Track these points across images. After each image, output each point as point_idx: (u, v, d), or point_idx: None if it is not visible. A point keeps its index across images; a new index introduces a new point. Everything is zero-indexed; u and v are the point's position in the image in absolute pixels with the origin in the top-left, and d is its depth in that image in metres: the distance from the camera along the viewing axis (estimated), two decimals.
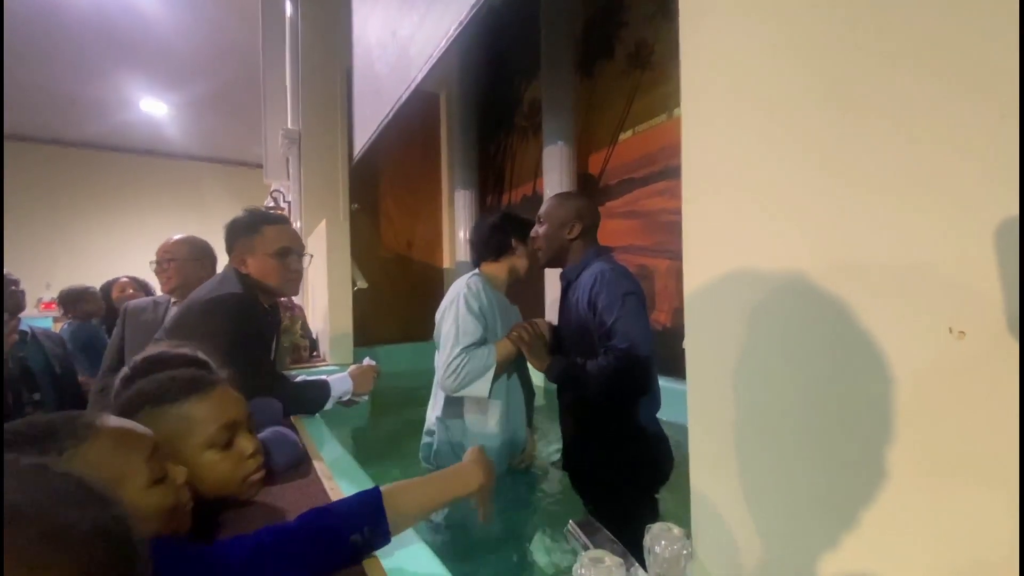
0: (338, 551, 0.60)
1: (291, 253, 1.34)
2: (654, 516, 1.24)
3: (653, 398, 1.26)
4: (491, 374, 1.28)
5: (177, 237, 1.80)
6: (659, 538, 0.58)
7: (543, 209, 1.34)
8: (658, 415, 1.26)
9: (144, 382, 0.73)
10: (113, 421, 0.55)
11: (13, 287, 1.69)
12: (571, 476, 1.33)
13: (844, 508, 0.47)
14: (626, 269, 1.25)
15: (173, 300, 1.77)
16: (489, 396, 1.31)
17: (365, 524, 0.62)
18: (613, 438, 1.21)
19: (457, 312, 1.33)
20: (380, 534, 0.63)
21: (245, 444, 0.75)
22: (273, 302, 1.39)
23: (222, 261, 1.88)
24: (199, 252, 1.80)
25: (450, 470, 0.73)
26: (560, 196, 1.35)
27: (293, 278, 1.36)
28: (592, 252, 1.28)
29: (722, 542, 0.59)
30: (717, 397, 0.58)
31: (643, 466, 1.21)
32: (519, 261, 1.48)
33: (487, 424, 1.36)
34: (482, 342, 1.32)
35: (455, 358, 1.28)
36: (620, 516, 1.07)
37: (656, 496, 1.26)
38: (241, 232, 1.31)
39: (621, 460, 1.20)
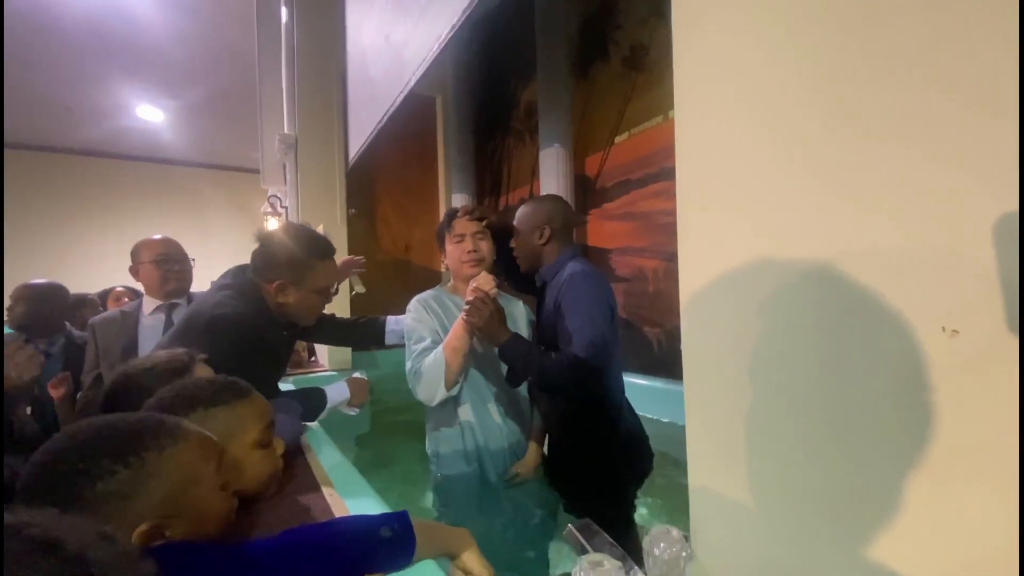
0: (365, 554, 0.58)
1: (331, 289, 1.30)
2: (629, 515, 1.24)
3: (623, 396, 1.27)
4: (442, 372, 1.19)
5: (169, 238, 1.78)
6: (658, 540, 0.58)
7: (515, 217, 1.34)
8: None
9: (188, 386, 0.75)
10: (194, 427, 0.59)
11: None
12: (551, 476, 1.33)
13: (842, 508, 0.47)
14: (597, 272, 1.22)
15: (158, 307, 1.73)
16: (458, 397, 1.26)
17: (393, 526, 0.60)
18: (588, 438, 1.21)
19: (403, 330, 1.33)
20: (406, 544, 0.60)
21: (278, 443, 0.82)
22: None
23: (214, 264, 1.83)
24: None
25: (450, 531, 0.69)
26: (529, 202, 1.35)
27: (322, 310, 1.33)
28: (568, 253, 1.27)
29: (721, 544, 0.59)
30: (715, 398, 0.58)
31: (620, 466, 1.21)
32: (453, 250, 1.35)
33: (452, 433, 1.30)
34: (436, 345, 1.25)
35: (409, 370, 1.24)
36: (597, 516, 1.07)
37: (636, 496, 1.26)
38: (289, 263, 1.20)
39: (596, 460, 1.20)
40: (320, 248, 1.25)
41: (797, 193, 0.49)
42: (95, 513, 0.47)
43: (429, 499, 1.39)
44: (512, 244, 1.36)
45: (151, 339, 1.57)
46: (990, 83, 0.37)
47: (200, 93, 5.28)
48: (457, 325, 1.22)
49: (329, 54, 3.24)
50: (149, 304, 1.71)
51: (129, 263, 1.73)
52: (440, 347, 1.22)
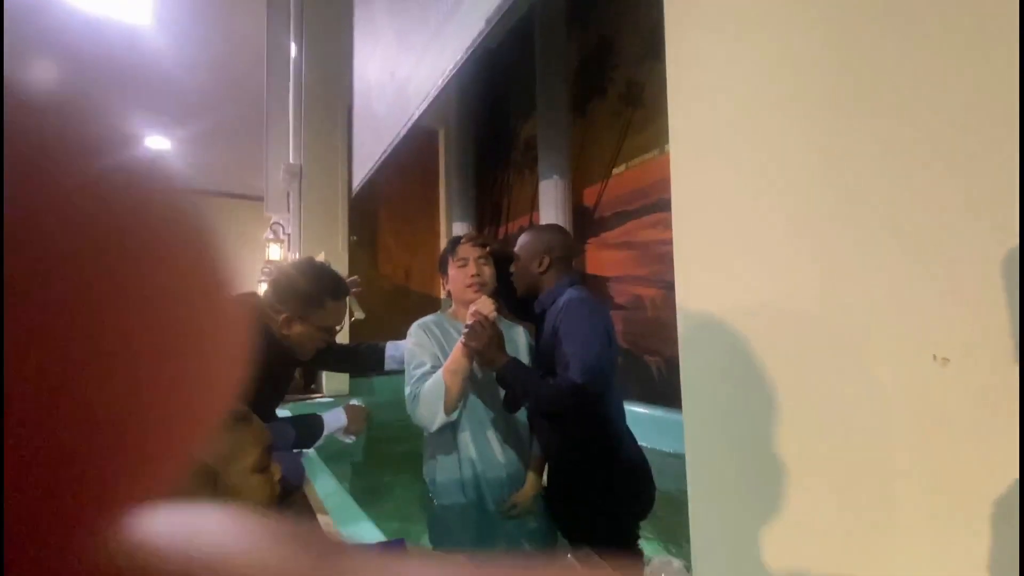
0: None
1: (336, 328, 1.31)
2: (631, 546, 1.22)
3: (624, 424, 1.26)
4: (441, 396, 1.18)
5: None
6: (659, 571, 0.57)
7: (517, 244, 1.36)
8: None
9: None
10: None
11: None
12: (551, 506, 1.30)
13: (846, 535, 0.46)
14: (595, 299, 1.24)
15: None
16: (456, 424, 1.25)
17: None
18: (587, 467, 1.19)
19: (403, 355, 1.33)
20: None
21: (275, 468, 0.80)
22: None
23: None
24: None
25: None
26: (531, 230, 1.37)
27: (322, 347, 1.33)
28: (566, 281, 1.28)
29: (723, 574, 0.58)
30: (714, 426, 0.59)
31: (621, 495, 1.19)
32: (456, 275, 1.35)
33: (449, 461, 1.28)
34: (435, 370, 1.25)
35: (408, 394, 1.23)
36: (597, 547, 1.04)
37: (638, 526, 1.24)
38: (300, 297, 1.21)
39: (596, 490, 1.18)
40: (335, 288, 1.27)
41: (791, 222, 0.51)
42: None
43: (425, 528, 1.36)
44: (511, 269, 1.38)
45: None
46: (985, 110, 0.39)
47: (208, 124, 5.41)
48: (456, 349, 1.21)
49: (335, 88, 3.34)
50: None
51: None
52: (440, 371, 1.22)
